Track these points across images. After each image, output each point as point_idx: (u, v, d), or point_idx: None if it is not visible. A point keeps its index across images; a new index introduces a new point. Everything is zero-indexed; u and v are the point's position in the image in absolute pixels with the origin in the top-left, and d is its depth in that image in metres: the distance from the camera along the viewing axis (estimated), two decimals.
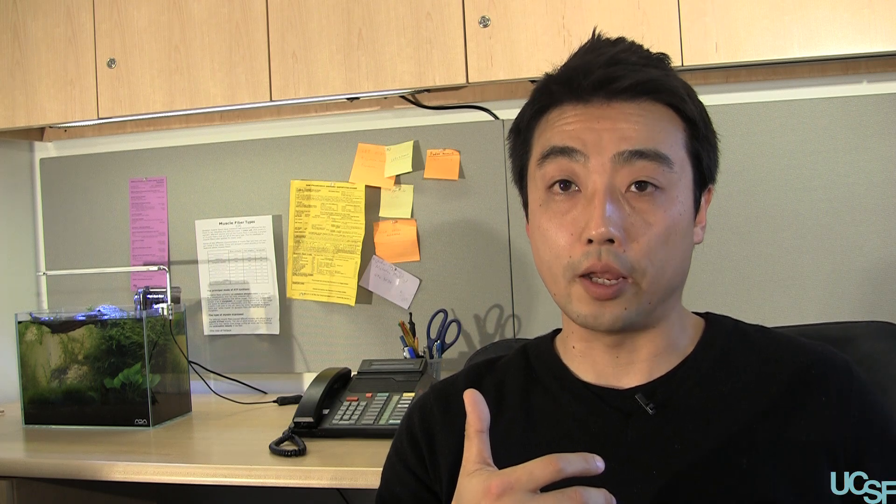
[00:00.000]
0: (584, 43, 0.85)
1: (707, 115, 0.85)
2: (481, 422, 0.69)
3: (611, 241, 0.76)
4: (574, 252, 0.78)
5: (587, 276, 0.78)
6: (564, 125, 0.81)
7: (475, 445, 0.68)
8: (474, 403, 0.69)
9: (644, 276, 0.77)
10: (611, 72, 0.80)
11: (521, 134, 0.88)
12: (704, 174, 0.85)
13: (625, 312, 0.78)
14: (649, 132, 0.79)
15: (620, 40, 0.84)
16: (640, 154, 0.78)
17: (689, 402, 0.81)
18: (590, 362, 0.86)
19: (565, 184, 0.80)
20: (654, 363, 0.84)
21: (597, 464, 0.63)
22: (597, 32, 0.85)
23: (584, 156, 0.79)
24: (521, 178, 0.89)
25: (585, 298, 0.78)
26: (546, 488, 0.63)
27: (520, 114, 0.89)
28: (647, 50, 0.84)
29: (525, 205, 0.89)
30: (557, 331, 0.93)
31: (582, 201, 0.79)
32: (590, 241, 0.77)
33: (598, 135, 0.79)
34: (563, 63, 0.85)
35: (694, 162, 0.83)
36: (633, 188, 0.78)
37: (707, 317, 0.90)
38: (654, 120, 0.80)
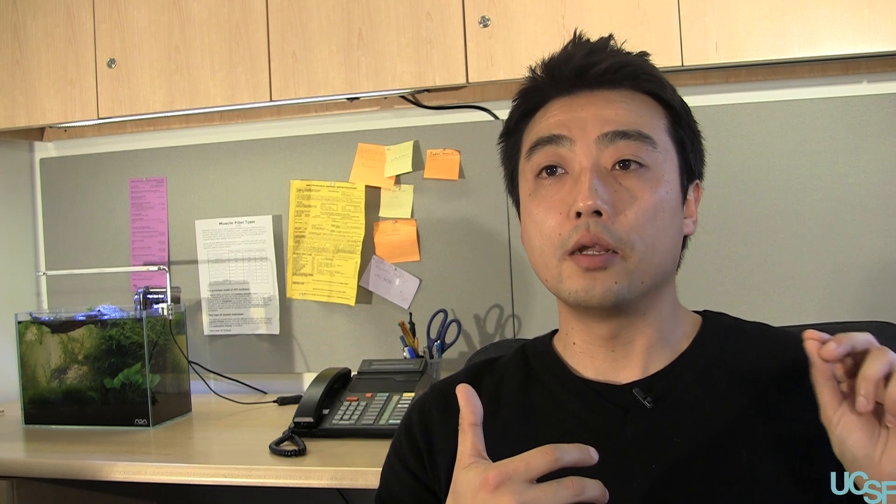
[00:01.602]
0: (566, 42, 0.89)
1: (687, 106, 0.88)
2: (475, 415, 0.69)
3: (598, 214, 0.78)
4: (564, 229, 0.80)
5: (577, 252, 0.79)
6: (550, 118, 0.84)
7: (469, 439, 0.68)
8: (467, 397, 0.70)
9: (633, 250, 0.79)
10: (590, 58, 0.84)
11: (511, 136, 0.91)
12: (690, 164, 0.86)
13: (616, 286, 0.79)
14: (632, 115, 0.82)
15: (601, 37, 0.87)
16: (623, 134, 0.80)
17: (686, 397, 0.82)
18: (587, 358, 0.86)
19: (552, 169, 0.82)
20: (649, 357, 0.84)
21: (591, 455, 0.63)
22: (578, 32, 0.88)
23: (570, 140, 0.81)
24: (512, 180, 0.91)
25: (576, 272, 0.79)
26: (542, 481, 0.63)
27: (508, 118, 0.91)
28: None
29: (517, 205, 0.90)
30: (556, 331, 0.93)
31: (569, 182, 0.81)
32: (578, 216, 0.78)
33: (583, 121, 0.82)
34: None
35: (678, 148, 0.85)
36: (618, 167, 0.81)
37: (704, 314, 0.90)
38: (636, 105, 0.83)
